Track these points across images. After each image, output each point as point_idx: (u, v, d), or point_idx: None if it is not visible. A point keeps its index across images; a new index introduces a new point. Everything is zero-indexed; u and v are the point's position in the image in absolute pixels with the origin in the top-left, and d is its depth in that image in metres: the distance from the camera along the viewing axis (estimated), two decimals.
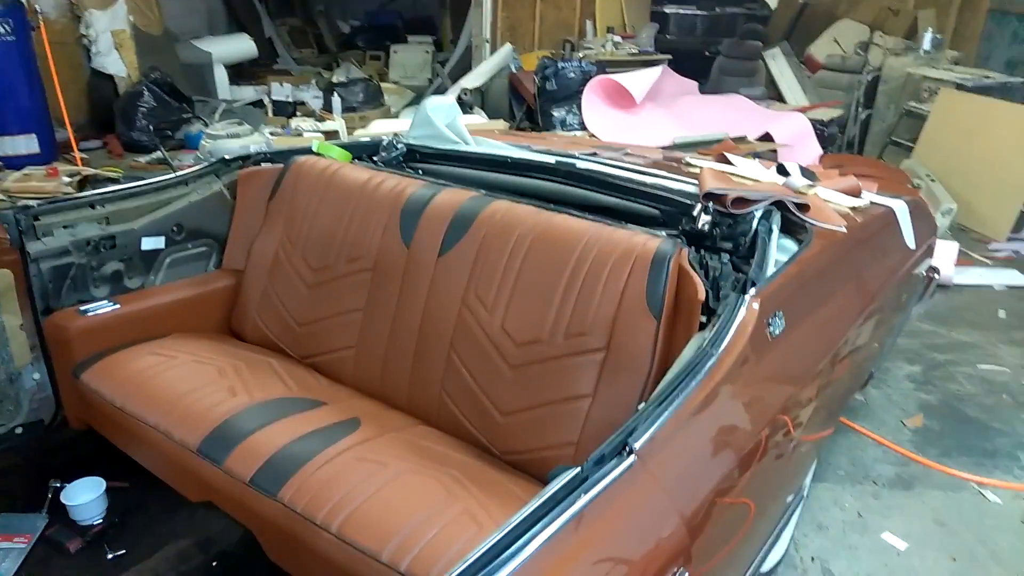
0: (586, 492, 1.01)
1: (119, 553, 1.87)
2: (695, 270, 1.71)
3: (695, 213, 1.95)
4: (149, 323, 2.24)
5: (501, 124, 6.03)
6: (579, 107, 6.13)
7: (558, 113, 6.21)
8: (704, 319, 1.61)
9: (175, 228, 2.35)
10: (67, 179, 4.49)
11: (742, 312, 1.48)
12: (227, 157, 2.49)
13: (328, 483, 1.61)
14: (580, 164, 2.35)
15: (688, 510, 1.15)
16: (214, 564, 1.64)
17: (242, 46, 7.94)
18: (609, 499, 1.03)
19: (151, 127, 5.78)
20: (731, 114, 6.02)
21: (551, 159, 2.39)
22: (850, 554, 2.25)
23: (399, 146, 2.61)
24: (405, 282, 2.07)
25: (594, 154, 2.64)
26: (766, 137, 5.56)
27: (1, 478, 2.01)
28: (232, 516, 1.72)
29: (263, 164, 2.50)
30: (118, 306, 2.18)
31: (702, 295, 1.62)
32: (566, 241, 1.85)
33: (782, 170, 2.64)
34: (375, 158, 2.61)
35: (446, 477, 1.67)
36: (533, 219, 1.94)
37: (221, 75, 7.48)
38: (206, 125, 5.48)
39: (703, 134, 5.60)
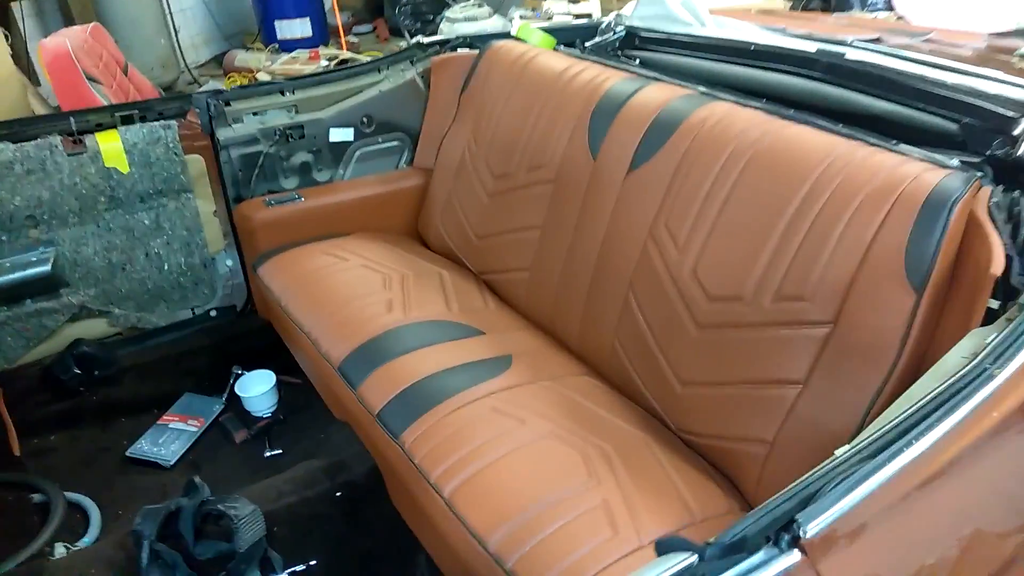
0: None
1: (275, 452, 1.86)
2: (996, 224, 1.11)
3: (1017, 132, 1.29)
4: (333, 219, 2.14)
5: (777, 3, 5.04)
6: None
7: None
8: (995, 305, 1.03)
9: (364, 120, 2.19)
10: (326, 63, 4.66)
11: None
12: (423, 41, 2.24)
13: (454, 434, 1.38)
14: (851, 54, 1.71)
15: None
16: (338, 495, 1.52)
17: None
18: None
19: (411, 10, 5.80)
20: None
21: (811, 46, 1.77)
22: None
23: (618, 29, 2.15)
24: (587, 201, 1.69)
25: (877, 40, 1.94)
26: None
27: (192, 358, 2.09)
28: (365, 446, 1.58)
29: (460, 50, 2.21)
30: (303, 200, 2.11)
31: (997, 266, 1.03)
32: (799, 163, 1.32)
33: None
34: (589, 44, 2.19)
35: (593, 451, 1.35)
36: (758, 128, 1.43)
37: None
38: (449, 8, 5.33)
39: None
